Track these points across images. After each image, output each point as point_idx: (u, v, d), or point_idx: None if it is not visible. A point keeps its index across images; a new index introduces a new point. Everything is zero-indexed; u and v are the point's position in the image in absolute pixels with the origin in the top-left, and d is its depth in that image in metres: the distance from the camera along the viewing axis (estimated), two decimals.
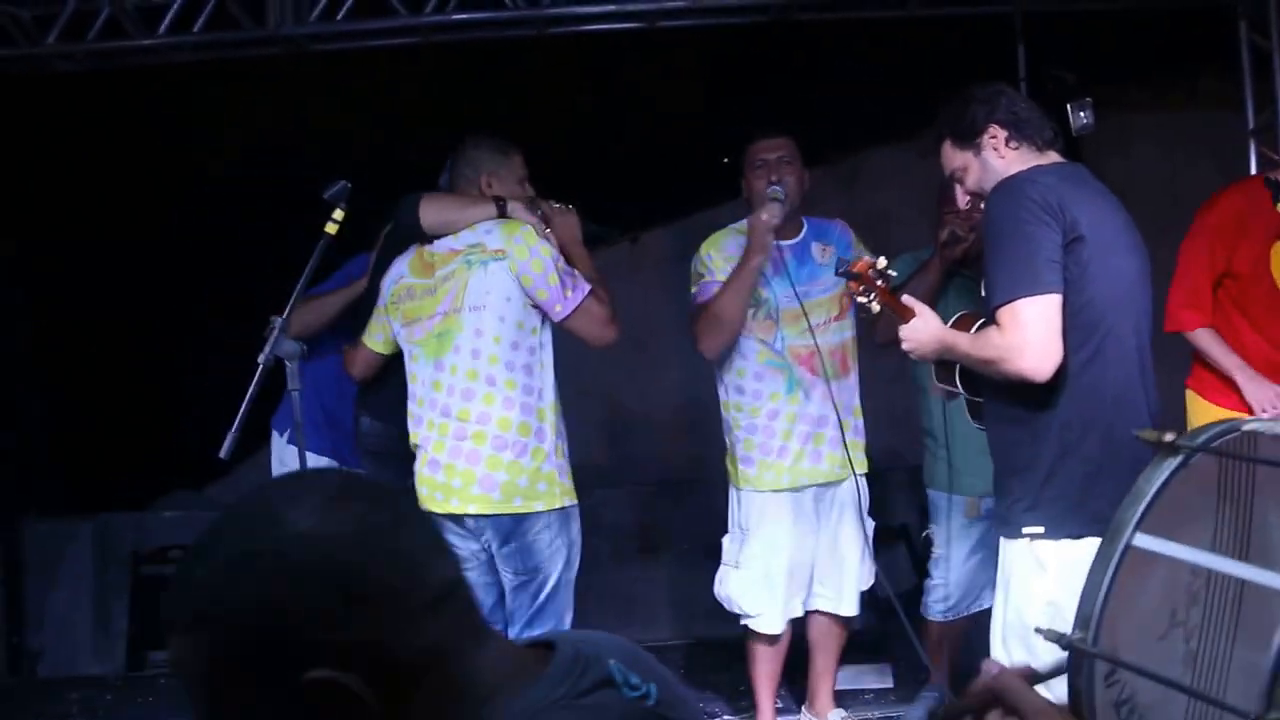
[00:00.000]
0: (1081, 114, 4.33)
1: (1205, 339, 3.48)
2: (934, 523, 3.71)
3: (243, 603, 0.93)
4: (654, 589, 4.96)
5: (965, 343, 2.56)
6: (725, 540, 3.64)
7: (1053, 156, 2.63)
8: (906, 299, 2.62)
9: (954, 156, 2.69)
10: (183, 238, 5.09)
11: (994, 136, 2.61)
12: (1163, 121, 5.50)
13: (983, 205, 2.63)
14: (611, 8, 4.22)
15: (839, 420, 3.48)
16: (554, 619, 3.14)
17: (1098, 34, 4.81)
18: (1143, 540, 1.16)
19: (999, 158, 2.61)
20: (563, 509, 3.14)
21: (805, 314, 3.45)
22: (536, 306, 3.11)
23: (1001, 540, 2.66)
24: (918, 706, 3.81)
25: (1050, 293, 2.42)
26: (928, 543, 3.70)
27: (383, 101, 5.19)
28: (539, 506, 3.09)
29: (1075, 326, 2.46)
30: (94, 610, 4.63)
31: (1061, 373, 2.45)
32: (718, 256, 3.54)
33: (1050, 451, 2.48)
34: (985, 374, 2.56)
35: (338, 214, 2.88)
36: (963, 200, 2.76)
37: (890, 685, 4.26)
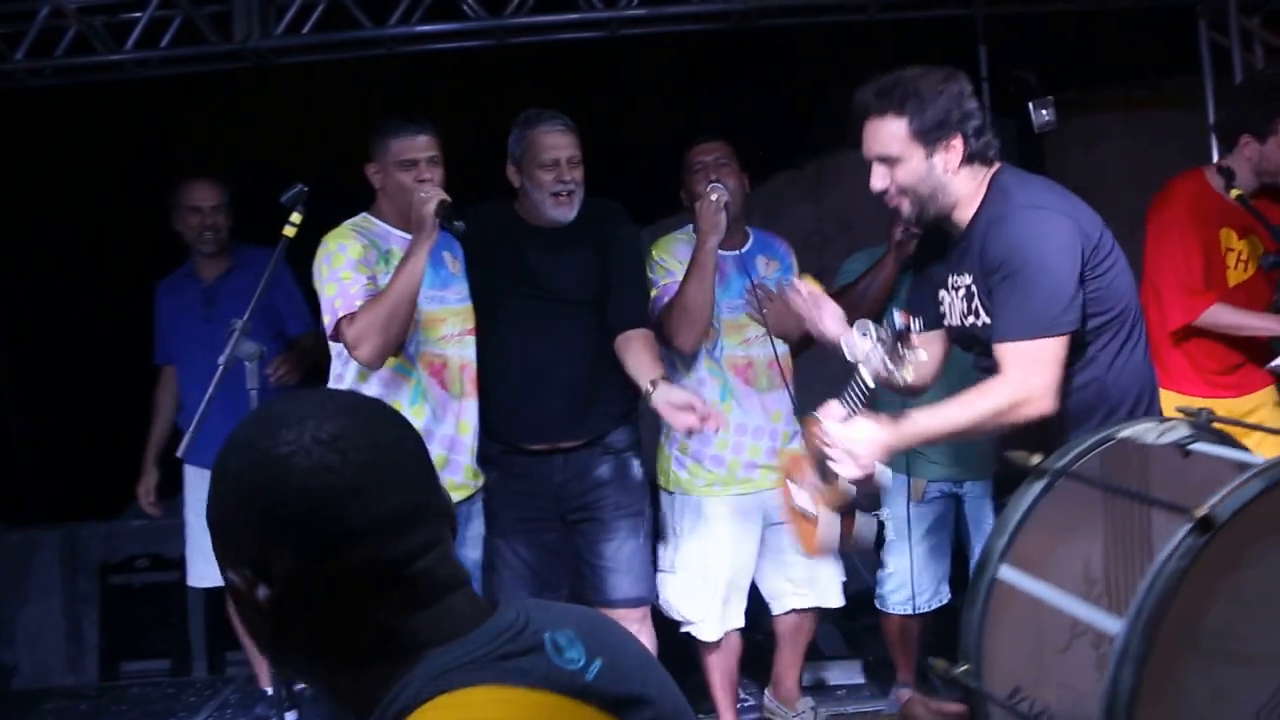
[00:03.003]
0: (1043, 112, 4.38)
1: (1224, 313, 3.42)
2: (885, 505, 3.68)
3: (233, 478, 1.02)
4: None
5: (941, 420, 2.34)
6: (659, 547, 3.58)
7: (995, 165, 2.45)
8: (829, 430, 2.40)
9: (897, 140, 2.37)
10: (164, 246, 5.11)
11: (952, 149, 2.38)
12: (1129, 120, 5.52)
13: (905, 206, 2.43)
14: (572, 17, 4.24)
15: (775, 431, 3.49)
16: None
17: (1061, 36, 4.84)
18: (1006, 573, 1.23)
19: (948, 171, 2.39)
20: None
21: (766, 324, 3.42)
22: None
23: None
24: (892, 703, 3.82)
25: (1069, 333, 2.32)
26: (881, 527, 3.65)
27: (369, 108, 5.21)
28: None
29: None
30: (65, 622, 4.62)
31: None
32: (670, 258, 3.52)
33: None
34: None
35: (295, 217, 2.97)
36: (879, 181, 2.43)
37: (861, 681, 4.22)
